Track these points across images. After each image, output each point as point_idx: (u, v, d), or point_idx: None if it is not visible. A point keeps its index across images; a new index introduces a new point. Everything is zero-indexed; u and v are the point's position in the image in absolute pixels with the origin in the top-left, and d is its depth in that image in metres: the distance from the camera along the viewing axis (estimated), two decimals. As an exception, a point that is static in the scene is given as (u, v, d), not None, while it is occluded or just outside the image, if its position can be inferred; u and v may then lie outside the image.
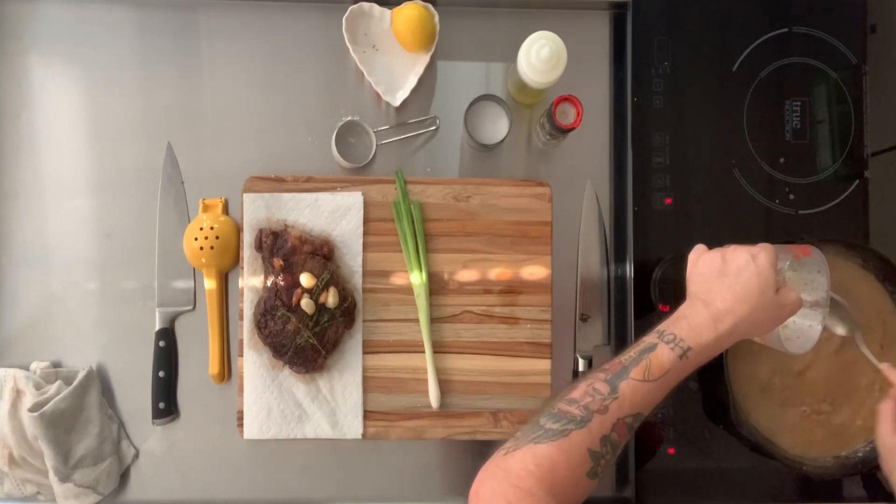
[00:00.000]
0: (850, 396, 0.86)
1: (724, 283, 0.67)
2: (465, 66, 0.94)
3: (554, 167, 0.94)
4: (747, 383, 0.86)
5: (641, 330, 0.87)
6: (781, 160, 0.92)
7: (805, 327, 0.77)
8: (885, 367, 0.78)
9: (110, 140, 0.91)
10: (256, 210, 0.88)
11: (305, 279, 0.83)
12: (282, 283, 0.84)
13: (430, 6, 0.88)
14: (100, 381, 0.88)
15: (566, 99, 0.85)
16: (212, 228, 0.87)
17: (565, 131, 0.86)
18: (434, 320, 0.89)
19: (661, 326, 0.67)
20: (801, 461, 0.84)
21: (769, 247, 0.70)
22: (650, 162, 0.90)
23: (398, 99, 0.90)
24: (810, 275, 0.76)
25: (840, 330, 0.84)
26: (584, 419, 0.59)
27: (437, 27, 0.88)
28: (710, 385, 0.87)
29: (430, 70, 0.92)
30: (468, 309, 0.89)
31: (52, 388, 0.84)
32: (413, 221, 0.89)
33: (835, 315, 0.83)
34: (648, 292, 0.89)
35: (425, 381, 0.88)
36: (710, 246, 0.73)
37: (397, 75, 0.91)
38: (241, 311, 0.87)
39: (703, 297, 0.68)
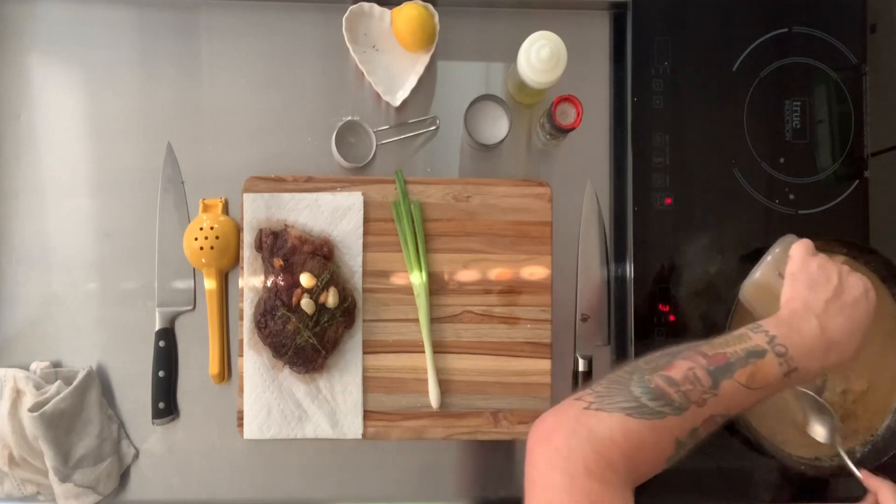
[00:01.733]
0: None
1: (840, 309, 0.65)
2: (465, 66, 0.94)
3: (554, 167, 0.94)
4: (747, 383, 0.86)
5: (641, 330, 0.88)
6: (781, 160, 0.92)
7: None
8: (863, 474, 0.74)
9: (110, 140, 0.91)
10: (256, 210, 0.88)
11: (305, 279, 0.83)
12: (282, 283, 0.84)
13: (430, 6, 0.88)
14: (100, 381, 0.88)
15: (566, 99, 0.85)
16: (212, 228, 0.87)
17: (565, 131, 0.86)
18: (434, 320, 0.89)
19: (771, 329, 0.63)
20: (800, 461, 0.84)
21: (868, 282, 0.69)
22: (650, 162, 0.90)
23: (398, 99, 0.90)
24: None
25: (820, 435, 0.80)
26: (682, 407, 0.57)
27: (437, 27, 0.88)
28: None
29: (430, 70, 0.92)
30: (468, 309, 0.89)
31: (52, 388, 0.84)
32: (413, 221, 0.89)
33: (817, 418, 0.80)
34: (651, 292, 0.89)
35: (425, 381, 0.88)
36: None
37: (397, 75, 0.91)
38: (241, 311, 0.87)
39: (817, 314, 0.64)
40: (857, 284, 0.67)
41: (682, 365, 0.59)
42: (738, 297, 0.80)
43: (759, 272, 0.78)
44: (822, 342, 0.63)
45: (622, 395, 0.57)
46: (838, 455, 0.78)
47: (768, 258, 0.77)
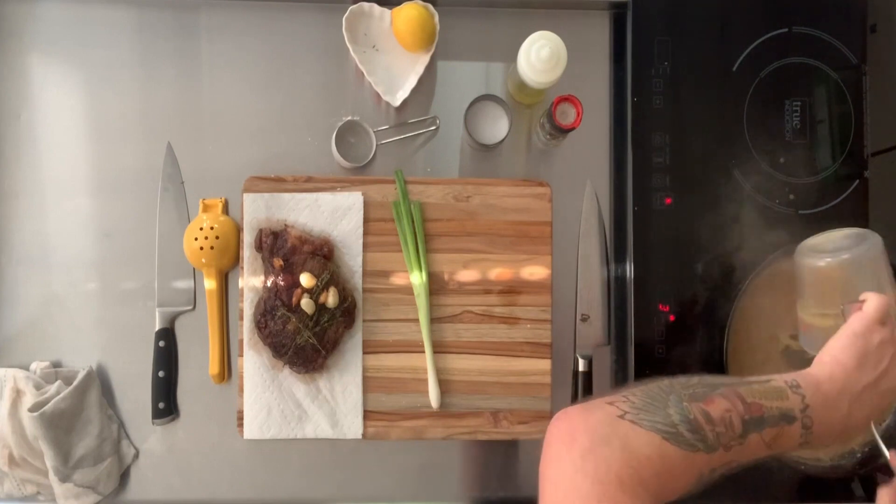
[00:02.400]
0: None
1: (871, 397, 0.64)
2: (465, 66, 0.94)
3: (554, 167, 0.94)
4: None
5: (641, 330, 0.88)
6: (781, 160, 0.92)
7: None
8: (892, 454, 0.71)
9: (110, 140, 0.91)
10: (256, 210, 0.88)
11: (305, 279, 0.83)
12: (282, 283, 0.84)
13: (430, 6, 0.88)
14: (100, 381, 0.88)
15: (566, 99, 0.85)
16: (212, 228, 0.87)
17: (565, 131, 0.86)
18: (434, 320, 0.89)
19: (808, 395, 0.61)
20: (800, 461, 0.84)
21: None
22: (650, 162, 0.90)
23: (398, 99, 0.90)
24: None
25: None
26: (713, 447, 0.56)
27: (437, 27, 0.88)
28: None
29: (430, 70, 0.92)
30: (468, 309, 0.89)
31: (52, 388, 0.84)
32: (413, 221, 0.89)
33: None
34: (650, 292, 0.89)
35: (425, 381, 0.88)
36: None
37: (397, 75, 0.91)
38: (241, 311, 0.87)
39: (851, 399, 0.63)
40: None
41: (720, 404, 0.58)
42: (795, 256, 0.78)
43: (826, 262, 0.73)
44: (842, 426, 0.62)
45: (659, 414, 0.56)
46: (871, 435, 0.74)
47: (845, 255, 0.72)
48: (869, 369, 0.64)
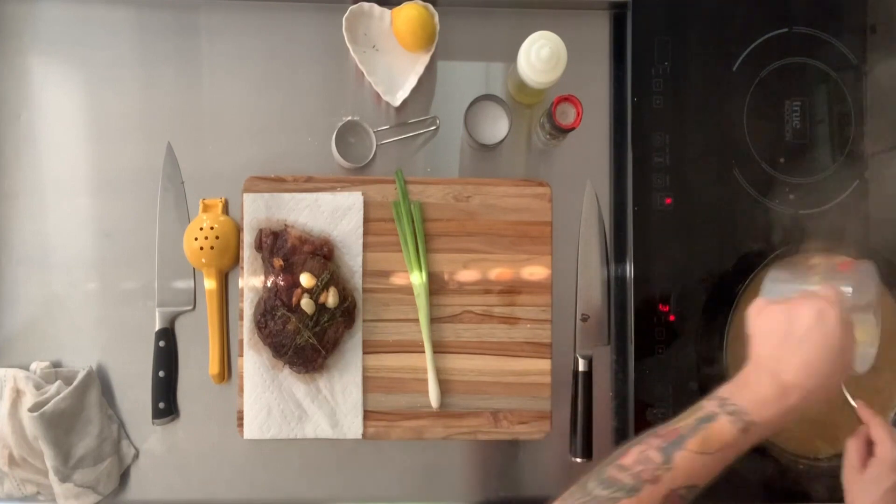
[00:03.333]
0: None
1: (791, 348, 0.61)
2: (465, 66, 0.94)
3: (554, 167, 0.94)
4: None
5: (641, 330, 0.88)
6: (781, 160, 0.92)
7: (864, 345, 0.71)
8: (859, 404, 0.74)
9: (110, 140, 0.91)
10: (256, 210, 0.88)
11: (305, 279, 0.83)
12: (282, 283, 0.84)
13: (430, 6, 0.88)
14: (100, 381, 0.88)
15: (566, 99, 0.85)
16: (212, 228, 0.87)
17: (565, 131, 0.86)
18: (434, 320, 0.89)
19: (724, 392, 0.62)
20: (799, 460, 0.84)
21: (832, 294, 0.63)
22: (650, 162, 0.90)
23: (398, 99, 0.90)
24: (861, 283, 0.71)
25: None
26: (634, 488, 0.56)
27: (437, 27, 0.88)
28: (709, 386, 0.87)
29: (430, 70, 0.92)
30: (468, 309, 0.89)
31: (52, 388, 0.84)
32: (413, 221, 0.89)
33: None
34: (651, 292, 0.89)
35: (425, 381, 0.88)
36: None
37: (397, 75, 0.91)
38: (241, 311, 0.87)
39: (769, 364, 0.62)
40: (807, 313, 0.62)
41: (635, 450, 0.60)
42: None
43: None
44: (774, 389, 0.60)
45: (579, 493, 0.58)
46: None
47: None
48: (769, 335, 0.64)
